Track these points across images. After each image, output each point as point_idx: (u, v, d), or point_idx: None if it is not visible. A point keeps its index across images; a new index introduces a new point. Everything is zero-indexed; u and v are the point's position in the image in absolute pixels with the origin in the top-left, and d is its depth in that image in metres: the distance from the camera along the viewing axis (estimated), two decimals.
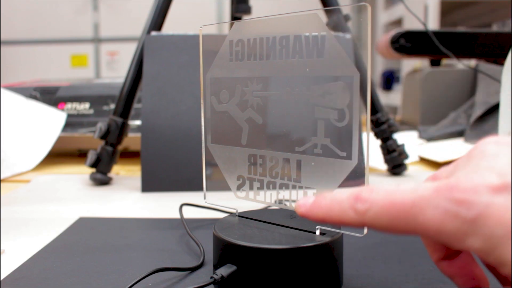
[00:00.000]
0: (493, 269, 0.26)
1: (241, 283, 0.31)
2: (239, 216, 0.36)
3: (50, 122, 0.86)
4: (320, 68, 0.31)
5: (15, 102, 0.86)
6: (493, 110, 0.96)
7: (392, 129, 0.74)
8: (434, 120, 1.13)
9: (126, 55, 3.04)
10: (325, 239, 0.31)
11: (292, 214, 0.35)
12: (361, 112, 0.31)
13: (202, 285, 0.31)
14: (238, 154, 0.36)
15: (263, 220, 0.35)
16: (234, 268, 0.31)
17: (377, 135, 0.74)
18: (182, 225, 0.44)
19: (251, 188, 0.36)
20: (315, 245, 0.30)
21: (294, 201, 0.33)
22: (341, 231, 0.32)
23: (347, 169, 0.30)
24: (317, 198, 0.25)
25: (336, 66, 0.30)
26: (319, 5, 0.76)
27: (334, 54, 0.30)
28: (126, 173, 0.78)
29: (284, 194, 0.34)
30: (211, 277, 0.31)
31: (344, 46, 0.72)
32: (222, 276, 0.30)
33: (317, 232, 0.32)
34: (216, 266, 0.33)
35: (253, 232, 0.33)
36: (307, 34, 0.31)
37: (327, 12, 0.75)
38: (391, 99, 2.68)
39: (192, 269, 0.36)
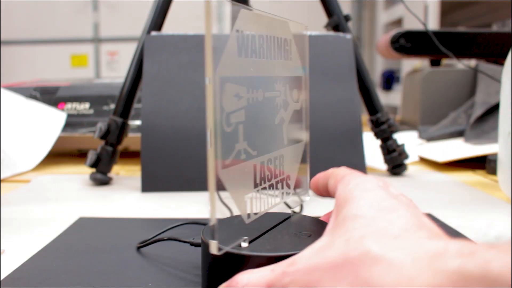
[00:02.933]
0: None
1: None
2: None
3: (50, 122, 0.86)
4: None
5: (15, 102, 0.86)
6: (493, 110, 0.96)
7: (392, 129, 0.74)
8: (434, 120, 1.13)
9: (126, 55, 3.03)
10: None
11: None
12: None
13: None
14: None
15: (268, 224, 0.34)
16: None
17: (377, 135, 0.74)
18: (182, 225, 0.44)
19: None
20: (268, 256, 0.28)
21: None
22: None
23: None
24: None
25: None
26: (319, 5, 0.76)
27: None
28: (126, 173, 0.78)
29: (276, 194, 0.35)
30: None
31: (343, 46, 0.72)
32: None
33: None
34: None
35: (243, 232, 0.32)
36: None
37: (328, 13, 0.75)
38: (391, 99, 2.68)
39: None
